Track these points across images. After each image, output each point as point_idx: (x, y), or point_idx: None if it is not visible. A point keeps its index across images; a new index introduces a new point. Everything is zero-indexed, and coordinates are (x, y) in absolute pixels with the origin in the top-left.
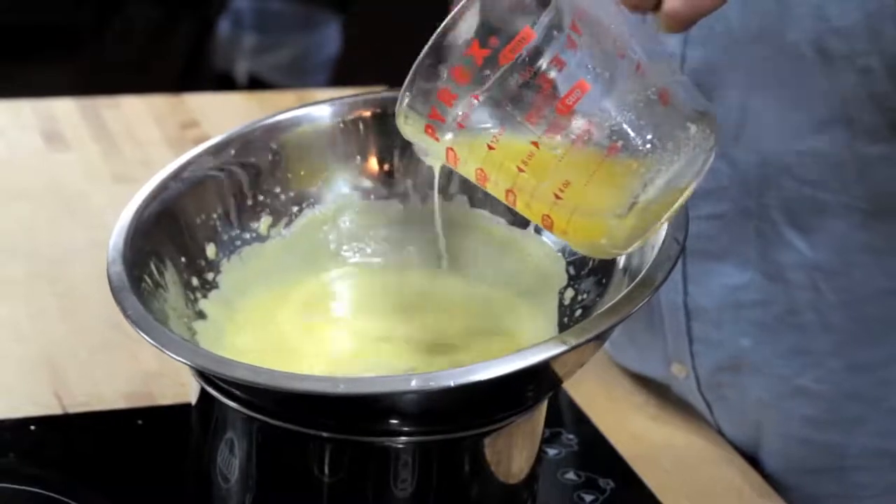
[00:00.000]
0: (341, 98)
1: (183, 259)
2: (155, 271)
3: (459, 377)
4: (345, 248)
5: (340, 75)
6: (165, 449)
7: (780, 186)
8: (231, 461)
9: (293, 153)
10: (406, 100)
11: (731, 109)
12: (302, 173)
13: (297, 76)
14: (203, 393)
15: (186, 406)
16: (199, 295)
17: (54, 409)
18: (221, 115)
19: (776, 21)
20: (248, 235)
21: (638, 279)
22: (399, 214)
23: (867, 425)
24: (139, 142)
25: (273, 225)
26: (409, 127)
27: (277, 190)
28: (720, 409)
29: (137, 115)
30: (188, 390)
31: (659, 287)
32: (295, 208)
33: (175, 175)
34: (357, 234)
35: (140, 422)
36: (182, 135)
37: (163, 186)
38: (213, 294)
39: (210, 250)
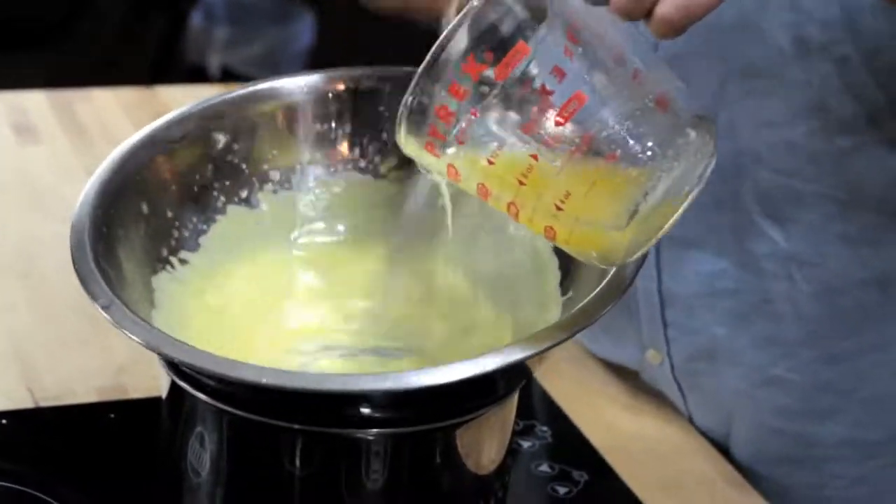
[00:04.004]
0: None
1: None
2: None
3: (409, 379)
4: (334, 225)
5: (313, 68)
6: (137, 442)
7: (755, 176)
8: (202, 454)
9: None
10: (405, 118)
11: (706, 98)
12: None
13: (269, 69)
14: (173, 385)
15: (159, 399)
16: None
17: (26, 403)
18: None
19: (753, 11)
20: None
21: (610, 275)
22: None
23: (840, 416)
24: (111, 135)
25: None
26: (410, 145)
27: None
28: (693, 397)
29: (109, 107)
30: (160, 384)
31: (632, 281)
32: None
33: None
34: (345, 210)
35: (112, 415)
36: None
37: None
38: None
39: None
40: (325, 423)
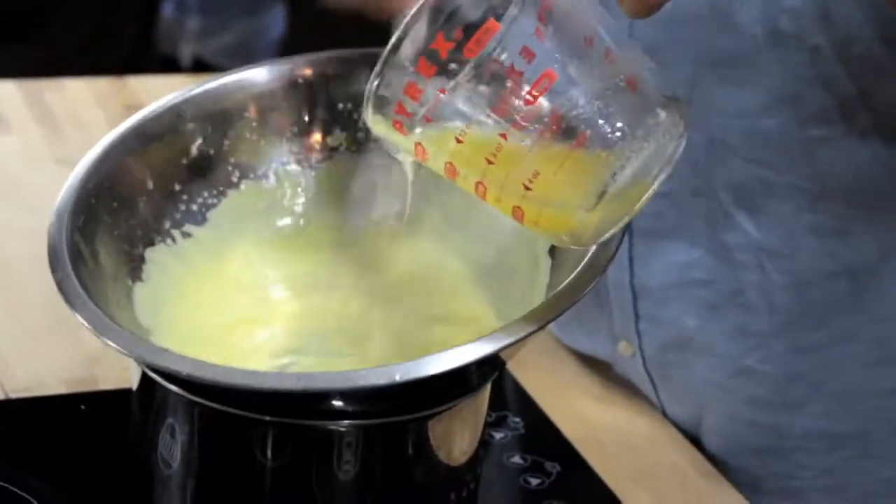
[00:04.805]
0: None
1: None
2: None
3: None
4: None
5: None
6: (108, 434)
7: (728, 166)
8: (172, 446)
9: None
10: (373, 96)
11: (679, 88)
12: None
13: (241, 59)
14: (144, 377)
15: (129, 391)
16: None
17: None
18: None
19: (726, 0)
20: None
21: (583, 263)
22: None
23: (809, 407)
24: (82, 125)
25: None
26: (378, 123)
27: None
28: (665, 388)
29: (80, 97)
30: (131, 375)
31: (604, 271)
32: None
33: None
34: (326, 197)
35: (83, 407)
36: (126, 117)
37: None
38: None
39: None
40: (296, 414)
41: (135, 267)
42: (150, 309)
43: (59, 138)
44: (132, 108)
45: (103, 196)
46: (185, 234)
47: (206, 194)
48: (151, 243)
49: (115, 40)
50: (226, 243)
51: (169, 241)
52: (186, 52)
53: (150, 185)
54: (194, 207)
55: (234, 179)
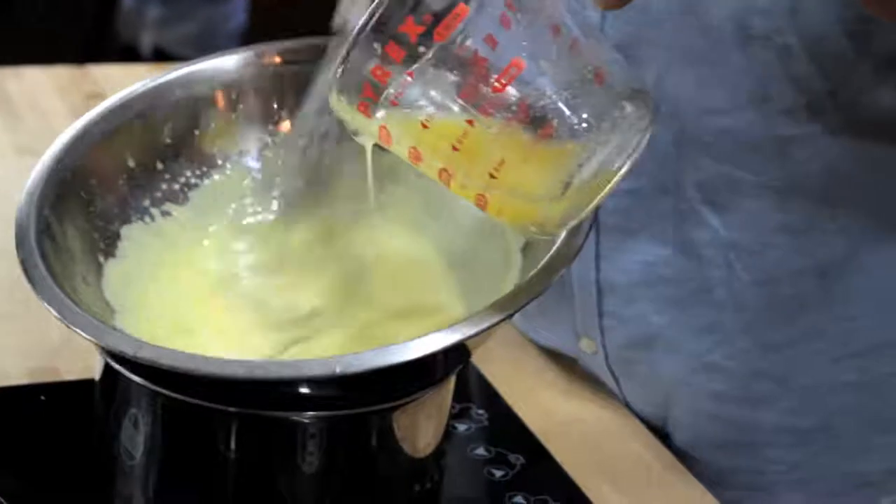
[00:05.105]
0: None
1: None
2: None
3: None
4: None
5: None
6: (70, 425)
7: (697, 164)
8: (135, 437)
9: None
10: (339, 77)
11: (649, 86)
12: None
13: (202, 49)
14: (107, 367)
15: (92, 381)
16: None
17: None
18: (126, 86)
19: None
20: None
21: (549, 256)
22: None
23: (776, 403)
24: (42, 113)
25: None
26: (342, 105)
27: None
28: (628, 384)
29: (40, 86)
30: (94, 365)
31: (569, 263)
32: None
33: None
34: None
35: (43, 397)
36: (87, 106)
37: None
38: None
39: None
40: (260, 405)
41: (109, 244)
42: (119, 287)
43: (20, 127)
44: (93, 97)
45: (80, 173)
46: (165, 213)
47: (188, 174)
48: (128, 221)
49: (75, 29)
50: (205, 224)
51: (147, 218)
52: (147, 42)
53: (132, 162)
54: (176, 186)
55: (219, 161)
